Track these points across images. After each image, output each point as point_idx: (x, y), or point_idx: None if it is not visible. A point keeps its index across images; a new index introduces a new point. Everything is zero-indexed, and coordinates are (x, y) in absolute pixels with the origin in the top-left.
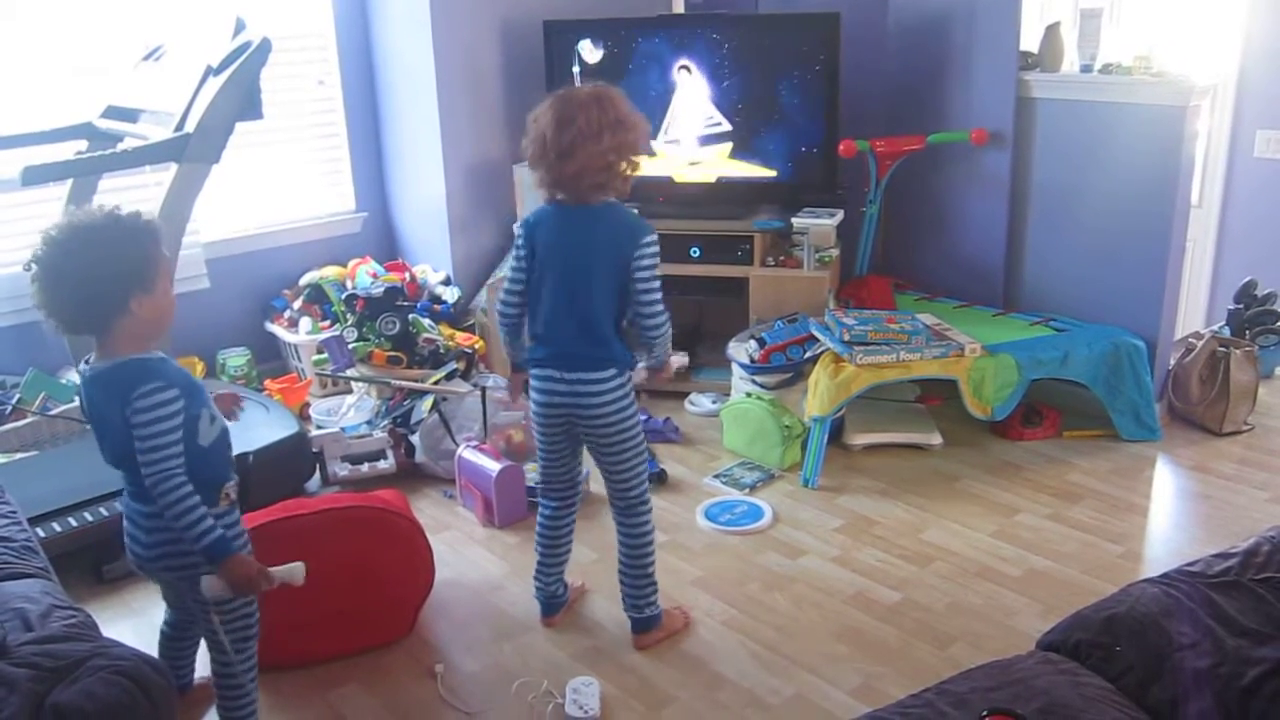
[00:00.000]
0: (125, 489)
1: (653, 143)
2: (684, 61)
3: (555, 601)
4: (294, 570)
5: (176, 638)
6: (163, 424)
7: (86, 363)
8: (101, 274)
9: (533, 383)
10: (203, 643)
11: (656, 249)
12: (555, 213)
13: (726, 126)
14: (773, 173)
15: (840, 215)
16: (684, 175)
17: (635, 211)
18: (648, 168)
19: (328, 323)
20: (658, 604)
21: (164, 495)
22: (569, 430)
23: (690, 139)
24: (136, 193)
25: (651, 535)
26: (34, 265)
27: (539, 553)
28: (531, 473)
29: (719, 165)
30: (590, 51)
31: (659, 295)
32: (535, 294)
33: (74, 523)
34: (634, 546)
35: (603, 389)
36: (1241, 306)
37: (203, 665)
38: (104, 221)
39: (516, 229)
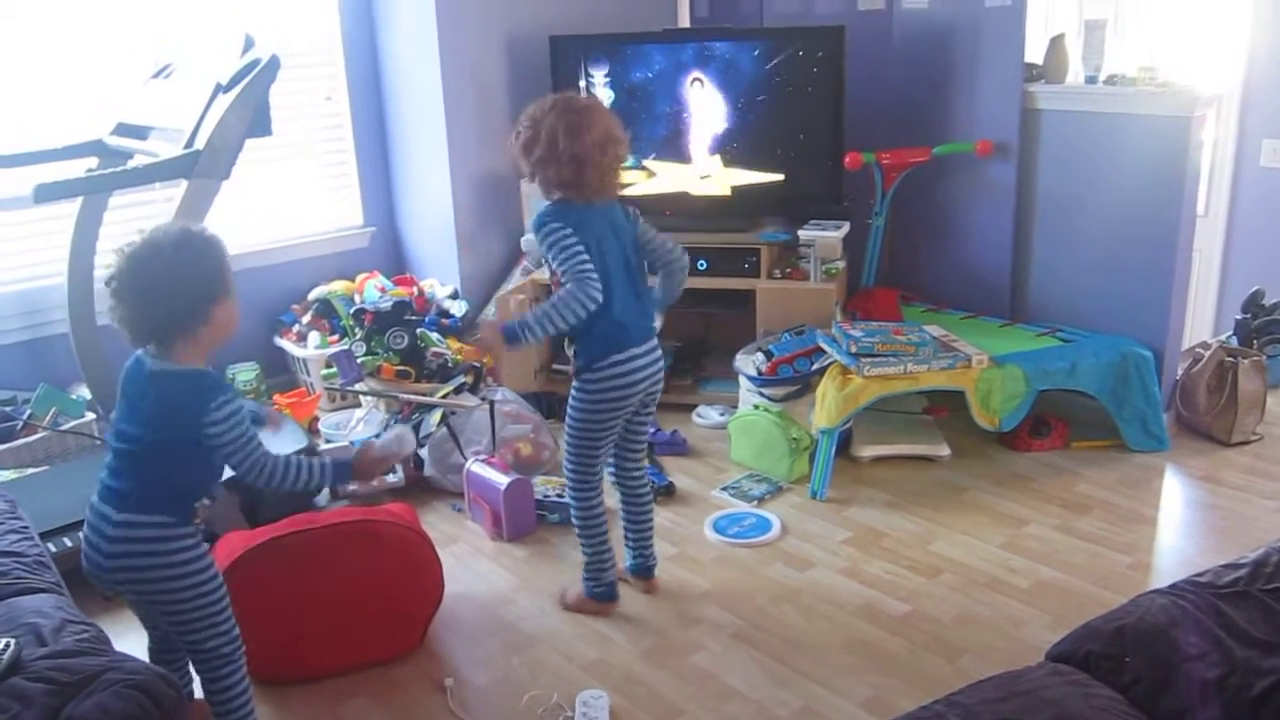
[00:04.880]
0: (102, 489)
1: (656, 156)
2: (697, 74)
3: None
4: (403, 438)
5: (161, 651)
6: (241, 426)
7: (147, 353)
8: (186, 286)
9: (609, 370)
10: None
11: None
12: (584, 209)
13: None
14: (779, 185)
15: (846, 227)
16: (690, 188)
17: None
18: (655, 181)
19: (336, 337)
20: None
21: (269, 477)
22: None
23: (697, 152)
24: (146, 209)
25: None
26: (114, 281)
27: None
28: (540, 486)
29: (725, 178)
30: (598, 67)
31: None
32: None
33: None
34: (645, 498)
35: (660, 353)
36: (1249, 316)
37: None
38: (181, 236)
39: (553, 225)
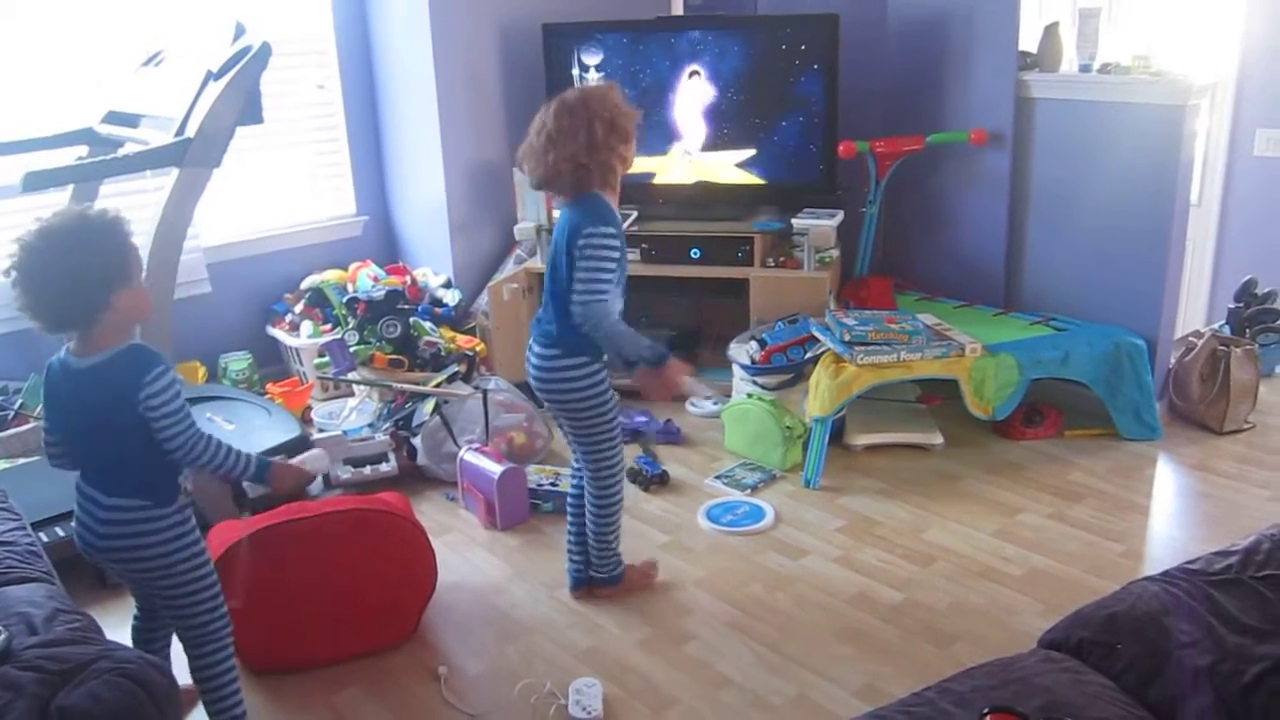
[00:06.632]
0: (85, 474)
1: (647, 145)
2: (695, 67)
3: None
4: (318, 458)
5: (146, 629)
6: (178, 400)
7: (68, 353)
8: (83, 273)
9: None
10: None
11: (600, 241)
12: (562, 206)
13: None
14: (773, 174)
15: (840, 216)
16: (684, 177)
17: (609, 205)
18: (646, 170)
19: (329, 326)
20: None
21: (199, 456)
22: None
23: (690, 140)
24: (137, 198)
25: (617, 500)
26: (14, 271)
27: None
28: (534, 475)
29: (718, 166)
30: (591, 56)
31: (588, 282)
32: None
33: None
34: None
35: (552, 365)
36: (1241, 305)
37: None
38: (76, 222)
39: None
